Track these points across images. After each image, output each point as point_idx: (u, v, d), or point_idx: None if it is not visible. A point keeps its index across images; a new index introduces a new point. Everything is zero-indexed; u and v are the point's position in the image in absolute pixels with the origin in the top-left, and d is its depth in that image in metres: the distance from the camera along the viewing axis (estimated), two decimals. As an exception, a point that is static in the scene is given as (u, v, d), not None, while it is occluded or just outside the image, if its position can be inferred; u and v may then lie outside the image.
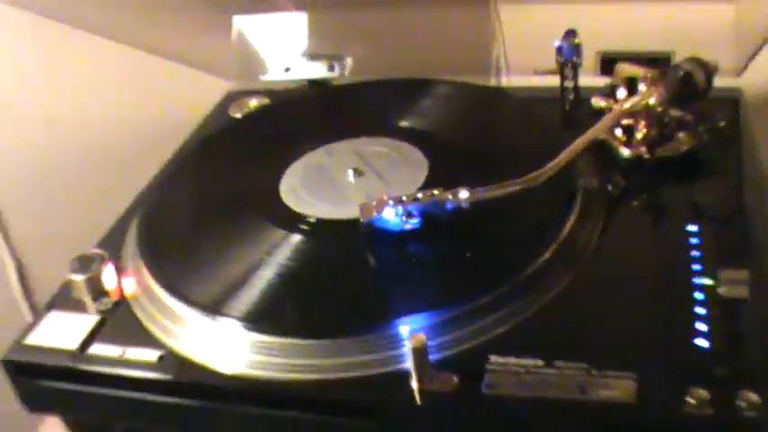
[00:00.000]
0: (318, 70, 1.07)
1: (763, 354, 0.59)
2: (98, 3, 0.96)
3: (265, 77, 1.09)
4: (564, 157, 0.74)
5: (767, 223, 0.90)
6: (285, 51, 1.09)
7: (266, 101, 1.05)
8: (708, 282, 0.65)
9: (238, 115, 1.03)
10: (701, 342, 0.60)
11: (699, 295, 0.64)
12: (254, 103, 1.05)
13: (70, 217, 1.26)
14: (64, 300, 0.74)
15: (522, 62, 1.01)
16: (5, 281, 1.32)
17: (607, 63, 0.94)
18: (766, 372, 0.58)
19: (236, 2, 1.08)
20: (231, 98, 1.07)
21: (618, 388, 0.57)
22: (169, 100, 1.20)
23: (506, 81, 1.06)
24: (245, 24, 1.09)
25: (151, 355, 0.67)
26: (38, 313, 0.83)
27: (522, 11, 1.01)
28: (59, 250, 0.88)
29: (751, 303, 0.63)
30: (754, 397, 0.55)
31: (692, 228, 0.70)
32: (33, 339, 0.71)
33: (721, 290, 0.64)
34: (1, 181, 1.28)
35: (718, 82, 0.86)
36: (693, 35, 0.90)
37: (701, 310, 0.62)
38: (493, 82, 1.06)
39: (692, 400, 0.56)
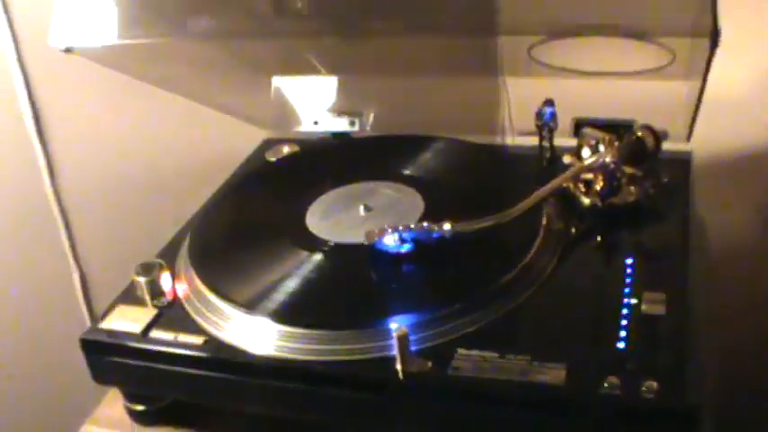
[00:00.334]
0: (342, 124, 1.14)
1: (670, 355, 0.71)
2: (163, 63, 1.05)
3: (297, 129, 1.17)
4: (530, 201, 0.86)
5: (705, 260, 1.04)
6: (314, 108, 1.16)
7: (297, 148, 1.13)
8: (633, 301, 0.77)
9: (273, 159, 1.12)
10: (620, 344, 0.72)
11: (625, 311, 0.76)
12: (286, 149, 1.13)
13: (126, 237, 1.38)
14: (129, 297, 0.86)
15: (523, 124, 1.09)
16: (70, 287, 1.46)
17: (580, 127, 0.99)
18: (666, 366, 0.70)
19: (274, 65, 1.16)
20: (268, 145, 1.16)
21: (551, 374, 0.70)
22: (216, 144, 1.30)
23: (510, 140, 1.15)
24: (282, 84, 1.17)
25: (198, 339, 0.80)
26: (94, 315, 0.94)
27: (525, 83, 1.10)
28: (115, 264, 0.99)
29: (667, 318, 0.75)
30: (654, 385, 0.68)
31: (629, 261, 0.82)
32: (105, 325, 0.84)
33: (643, 307, 0.76)
34: (75, 205, 1.42)
35: (673, 146, 0.96)
36: (653, 106, 0.97)
37: (624, 322, 0.75)
38: (498, 141, 1.16)
39: (606, 385, 0.68)
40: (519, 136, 1.11)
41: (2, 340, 1.54)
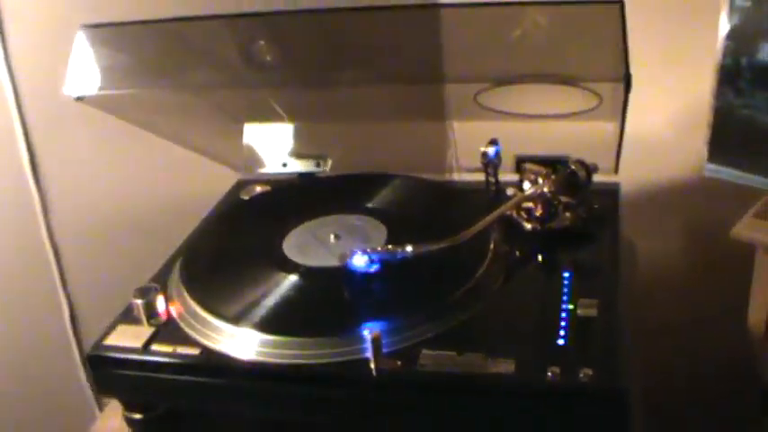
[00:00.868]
0: (308, 166, 1.23)
1: (602, 347, 0.83)
2: (149, 111, 1.14)
3: (267, 170, 1.25)
4: (479, 226, 0.95)
5: (635, 276, 1.15)
6: (282, 151, 1.24)
7: (268, 187, 1.21)
8: (570, 307, 0.89)
9: (246, 197, 1.19)
10: (561, 341, 0.84)
11: (563, 314, 0.87)
12: (258, 188, 1.21)
13: (113, 272, 1.44)
14: (127, 317, 0.94)
15: (471, 162, 1.16)
16: (60, 318, 1.54)
17: (521, 163, 1.10)
18: (599, 357, 0.81)
19: (246, 113, 1.24)
20: (241, 185, 1.24)
21: (503, 366, 0.81)
22: (195, 184, 1.37)
23: (457, 176, 1.26)
24: (252, 130, 1.25)
25: (194, 350, 0.88)
26: (81, 345, 0.99)
27: (472, 125, 1.21)
28: (102, 297, 1.08)
29: (598, 320, 0.86)
30: (589, 371, 0.79)
31: (566, 275, 0.94)
32: (109, 341, 0.92)
33: (579, 311, 0.88)
34: (65, 242, 1.50)
35: (603, 178, 1.06)
36: (584, 143, 1.07)
37: (563, 323, 0.86)
38: (447, 177, 1.27)
39: (549, 373, 0.80)
40: (466, 172, 1.21)
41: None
